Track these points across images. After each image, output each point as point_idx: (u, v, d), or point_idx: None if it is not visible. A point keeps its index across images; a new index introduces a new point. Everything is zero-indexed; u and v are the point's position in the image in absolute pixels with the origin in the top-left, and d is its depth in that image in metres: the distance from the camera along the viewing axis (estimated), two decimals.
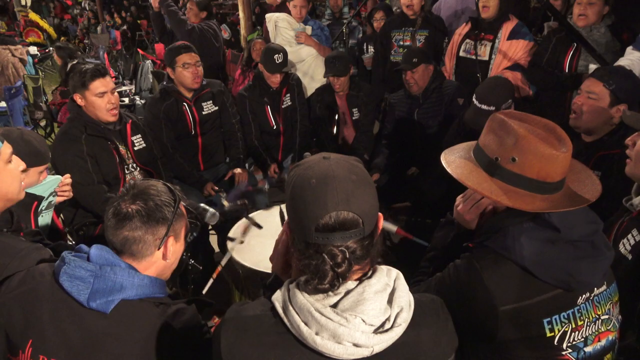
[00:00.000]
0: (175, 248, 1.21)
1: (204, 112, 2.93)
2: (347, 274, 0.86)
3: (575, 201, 1.11)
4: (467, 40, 3.17)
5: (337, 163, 0.90)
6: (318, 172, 0.88)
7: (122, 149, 2.44)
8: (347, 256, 0.85)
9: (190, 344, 1.15)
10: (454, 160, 1.22)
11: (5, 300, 1.13)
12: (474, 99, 2.32)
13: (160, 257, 1.18)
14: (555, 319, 1.11)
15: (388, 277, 0.90)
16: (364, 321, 0.83)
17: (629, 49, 2.53)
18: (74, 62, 5.15)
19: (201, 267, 2.16)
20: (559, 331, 1.11)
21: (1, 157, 1.30)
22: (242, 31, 4.93)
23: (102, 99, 2.26)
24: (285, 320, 0.87)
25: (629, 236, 1.45)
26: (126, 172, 2.46)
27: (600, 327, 1.17)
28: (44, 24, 12.56)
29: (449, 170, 1.19)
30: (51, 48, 10.19)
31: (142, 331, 1.09)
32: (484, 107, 2.24)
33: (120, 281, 1.08)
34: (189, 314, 1.17)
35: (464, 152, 1.25)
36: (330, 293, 0.87)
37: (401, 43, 3.51)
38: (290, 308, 0.86)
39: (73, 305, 1.08)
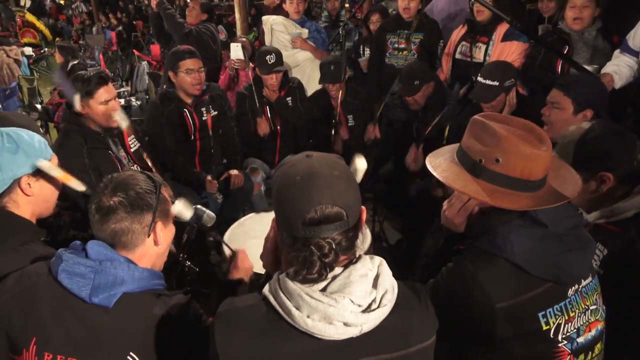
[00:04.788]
0: (165, 233, 1.23)
1: (204, 118, 2.93)
2: (334, 264, 0.91)
3: (558, 197, 1.15)
4: (463, 43, 3.20)
5: (320, 160, 0.96)
6: (302, 169, 0.93)
7: (122, 153, 2.44)
8: (334, 247, 0.90)
9: (191, 332, 1.17)
10: (440, 163, 1.25)
11: (2, 301, 1.13)
12: (478, 78, 2.49)
13: (152, 244, 1.20)
14: (549, 312, 1.15)
15: (372, 263, 0.95)
16: (352, 301, 0.88)
17: (617, 53, 2.57)
18: (75, 62, 5.17)
19: (198, 269, 2.16)
20: (553, 324, 1.15)
21: (52, 166, 1.38)
22: (239, 32, 4.94)
23: (106, 106, 2.25)
24: (277, 307, 0.90)
25: (596, 251, 1.47)
26: None
27: (590, 317, 1.22)
28: (40, 25, 12.51)
29: (435, 174, 1.22)
30: (46, 49, 10.15)
31: (145, 322, 1.11)
32: (488, 82, 2.43)
33: (121, 275, 1.10)
34: (188, 304, 1.19)
35: (448, 154, 1.27)
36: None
37: (396, 46, 3.52)
38: (282, 295, 0.90)
39: (74, 302, 1.09)
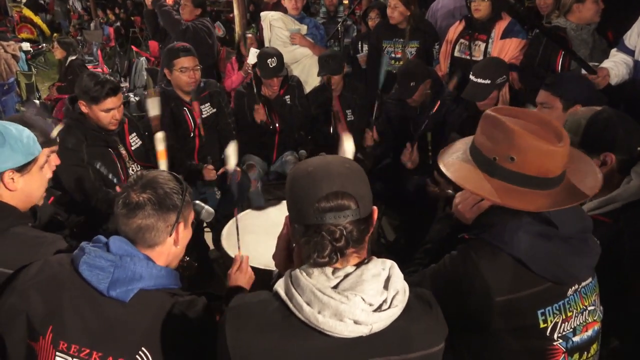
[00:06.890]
0: (184, 234, 1.26)
1: (203, 116, 2.93)
2: (345, 250, 0.92)
3: (575, 196, 1.11)
4: (462, 41, 3.19)
5: (332, 156, 1.04)
6: (315, 162, 0.99)
7: (122, 151, 2.44)
8: (345, 234, 0.91)
9: (203, 333, 1.18)
10: (452, 162, 1.21)
11: (25, 288, 1.16)
12: (470, 76, 2.49)
13: (172, 244, 1.22)
14: (548, 310, 1.14)
15: (383, 265, 0.96)
16: (363, 300, 0.89)
17: (613, 51, 2.59)
18: (73, 58, 5.16)
19: (196, 264, 2.18)
20: (551, 322, 1.14)
21: (37, 163, 1.40)
22: (237, 29, 4.93)
23: (108, 114, 2.26)
24: (288, 302, 0.91)
25: None
26: (129, 175, 2.44)
27: (587, 317, 1.21)
28: (37, 20, 12.44)
29: (447, 174, 1.18)
30: (44, 44, 10.11)
31: (159, 319, 1.13)
32: (480, 80, 2.43)
33: (139, 271, 1.12)
34: (202, 305, 1.21)
35: (460, 152, 1.24)
36: (330, 276, 0.92)
37: (393, 55, 3.49)
38: (293, 290, 0.91)
39: (92, 294, 1.12)
